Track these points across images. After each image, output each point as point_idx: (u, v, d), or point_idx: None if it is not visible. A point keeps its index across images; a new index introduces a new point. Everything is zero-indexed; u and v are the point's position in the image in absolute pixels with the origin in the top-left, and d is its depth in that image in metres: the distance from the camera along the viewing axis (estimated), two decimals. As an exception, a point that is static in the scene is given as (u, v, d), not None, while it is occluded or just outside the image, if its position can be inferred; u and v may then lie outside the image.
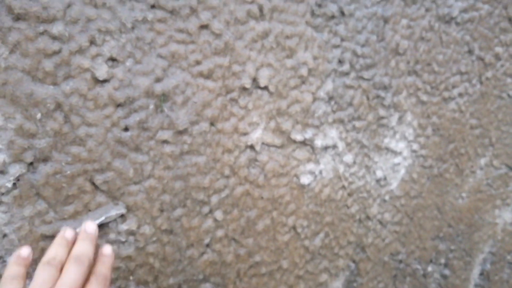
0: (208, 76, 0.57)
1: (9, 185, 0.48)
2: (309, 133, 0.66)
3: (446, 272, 0.91)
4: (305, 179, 0.67)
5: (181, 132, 0.56)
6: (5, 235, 0.48)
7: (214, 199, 0.60)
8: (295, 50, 0.63)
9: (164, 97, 0.55)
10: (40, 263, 0.43)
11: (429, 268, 0.87)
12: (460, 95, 0.85)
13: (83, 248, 0.45)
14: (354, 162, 0.72)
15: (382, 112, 0.74)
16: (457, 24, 0.82)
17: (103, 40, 0.51)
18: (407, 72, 0.76)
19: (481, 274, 0.99)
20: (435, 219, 0.86)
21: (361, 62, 0.70)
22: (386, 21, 0.72)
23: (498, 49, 0.90)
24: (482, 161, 0.92)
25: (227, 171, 0.60)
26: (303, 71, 0.64)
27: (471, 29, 0.84)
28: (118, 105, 0.52)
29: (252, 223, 0.63)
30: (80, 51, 0.50)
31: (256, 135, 0.62)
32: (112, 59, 0.52)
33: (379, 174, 0.76)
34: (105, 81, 0.51)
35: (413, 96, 0.78)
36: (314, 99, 0.66)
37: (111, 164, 0.52)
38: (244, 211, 0.62)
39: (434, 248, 0.88)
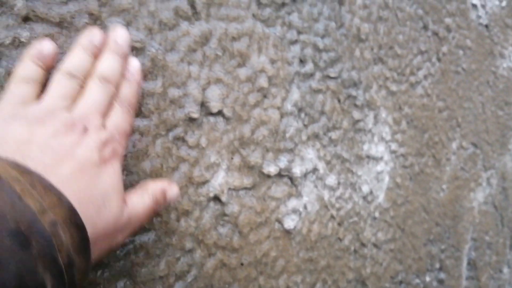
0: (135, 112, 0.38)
1: None
2: (283, 161, 0.50)
3: (442, 276, 0.81)
4: (289, 222, 0.50)
5: (110, 206, 0.36)
6: None
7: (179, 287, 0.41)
8: (247, 55, 0.46)
9: None
10: (59, 70, 0.32)
11: (427, 278, 0.76)
12: (425, 77, 0.75)
13: (112, 64, 0.34)
14: (339, 183, 0.57)
15: (356, 114, 0.60)
16: (409, -3, 0.71)
17: None
18: (373, 60, 0.63)
19: (468, 264, 0.91)
20: (424, 222, 0.75)
21: (324, 58, 0.55)
22: (341, 2, 0.58)
23: (448, 20, 0.81)
24: (454, 145, 0.83)
25: (189, 243, 0.41)
26: (262, 82, 0.48)
27: (421, 2, 0.74)
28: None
29: (236, 304, 0.45)
30: None
31: (218, 181, 0.44)
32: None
33: (365, 189, 0.62)
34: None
35: (383, 88, 0.65)
36: (282, 115, 0.50)
37: None
38: (222, 291, 0.44)
39: (427, 254, 0.77)
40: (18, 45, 0.33)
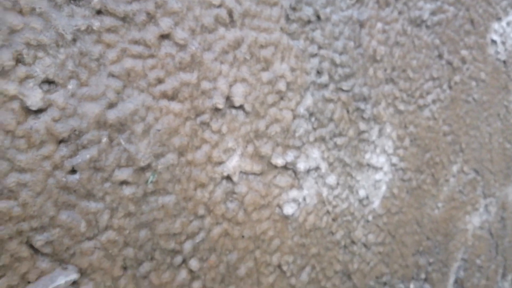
0: (173, 96, 0.47)
1: None
2: (290, 156, 0.58)
3: (426, 287, 0.87)
4: (288, 209, 0.58)
5: (143, 169, 0.45)
6: None
7: (188, 246, 0.49)
8: (271, 61, 0.55)
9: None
10: None
11: (411, 286, 0.83)
12: (433, 101, 0.81)
13: None
14: (338, 184, 0.64)
15: (362, 126, 0.67)
16: (427, 27, 0.78)
17: (34, 57, 0.39)
18: (385, 80, 0.70)
19: (455, 282, 0.97)
20: (415, 234, 0.82)
21: (339, 72, 0.63)
22: (362, 25, 0.65)
23: (464, 52, 0.88)
24: (455, 168, 0.89)
25: (201, 210, 0.50)
26: (281, 86, 0.56)
27: (440, 33, 0.81)
28: (61, 141, 0.40)
29: (233, 268, 0.53)
30: (3, 72, 0.37)
31: (232, 164, 0.52)
32: (49, 82, 0.40)
33: (362, 193, 0.69)
34: (40, 111, 0.39)
35: (391, 106, 0.72)
36: (294, 117, 0.58)
37: (56, 219, 0.40)
38: (223, 256, 0.52)
39: (415, 264, 0.83)
40: (90, 31, 0.42)
